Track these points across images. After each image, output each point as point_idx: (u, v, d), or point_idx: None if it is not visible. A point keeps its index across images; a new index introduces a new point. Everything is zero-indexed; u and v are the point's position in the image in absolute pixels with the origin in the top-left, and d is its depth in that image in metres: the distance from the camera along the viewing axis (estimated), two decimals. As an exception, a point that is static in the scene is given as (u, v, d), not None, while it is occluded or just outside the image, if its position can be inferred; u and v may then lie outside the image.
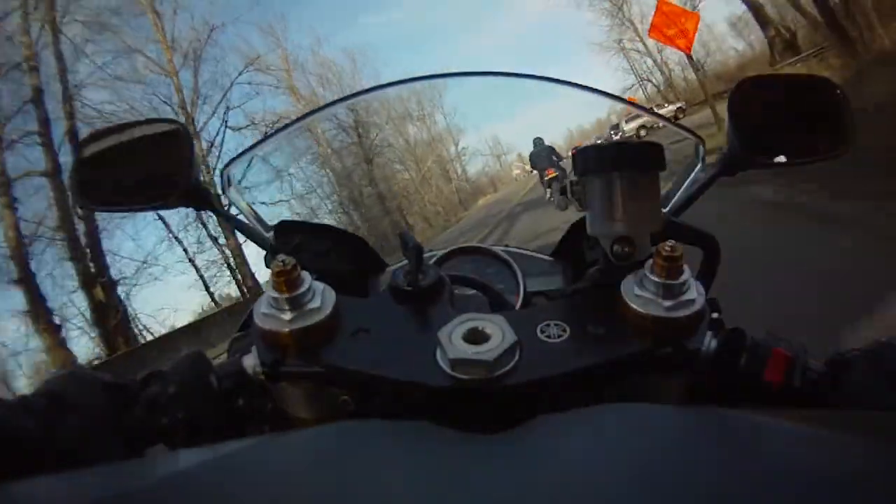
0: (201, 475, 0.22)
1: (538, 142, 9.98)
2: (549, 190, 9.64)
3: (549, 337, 0.36)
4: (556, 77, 0.64)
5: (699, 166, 0.61)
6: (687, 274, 0.36)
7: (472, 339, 0.34)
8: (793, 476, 0.19)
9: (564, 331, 0.36)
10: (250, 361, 0.38)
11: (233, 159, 0.70)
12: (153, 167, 0.61)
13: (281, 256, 0.37)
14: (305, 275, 0.38)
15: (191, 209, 0.62)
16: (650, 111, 0.75)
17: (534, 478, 0.20)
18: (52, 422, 0.33)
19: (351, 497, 0.20)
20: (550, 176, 9.37)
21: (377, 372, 0.35)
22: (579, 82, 0.63)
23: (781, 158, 0.58)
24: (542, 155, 9.80)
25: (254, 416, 0.43)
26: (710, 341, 0.37)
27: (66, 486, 0.24)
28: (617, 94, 0.65)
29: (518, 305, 0.66)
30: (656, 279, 0.36)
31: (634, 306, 0.36)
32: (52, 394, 0.34)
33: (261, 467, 0.22)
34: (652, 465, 0.20)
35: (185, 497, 0.20)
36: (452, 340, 0.34)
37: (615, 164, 0.38)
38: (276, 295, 0.36)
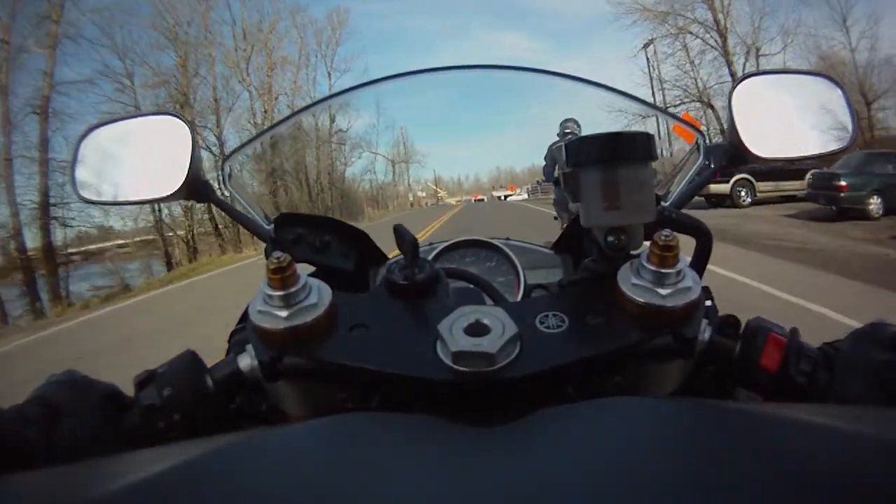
0: (204, 466, 0.22)
1: (568, 127, 4.96)
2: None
3: (548, 328, 0.36)
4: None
5: (700, 160, 0.62)
6: (683, 262, 0.37)
7: (473, 331, 0.34)
8: (788, 468, 0.19)
9: (563, 321, 0.37)
10: (246, 360, 0.38)
11: (233, 151, 0.70)
12: (153, 160, 0.61)
13: (276, 253, 0.36)
14: (301, 271, 0.37)
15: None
16: (655, 105, 0.75)
17: (534, 471, 0.20)
18: (50, 430, 0.33)
19: (353, 488, 0.20)
20: None
21: (378, 367, 0.35)
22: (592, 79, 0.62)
23: (782, 153, 0.58)
24: None
25: (251, 415, 0.42)
26: (705, 329, 0.38)
27: (64, 481, 0.24)
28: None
29: (519, 297, 0.66)
30: (653, 268, 0.36)
31: (631, 295, 0.36)
32: (48, 401, 0.34)
33: (262, 458, 0.23)
34: (650, 458, 0.21)
35: (189, 486, 0.20)
36: (453, 333, 0.34)
37: (607, 154, 0.38)
38: (271, 292, 0.36)
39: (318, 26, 29.70)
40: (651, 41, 22.30)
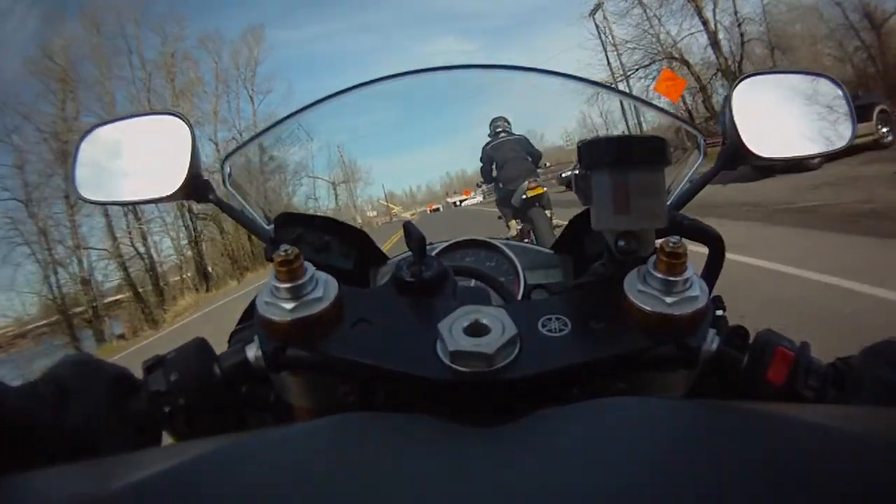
0: (204, 466, 0.22)
1: (499, 125, 4.84)
2: (518, 226, 4.63)
3: (549, 331, 0.36)
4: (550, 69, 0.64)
5: (700, 160, 0.62)
6: (690, 271, 0.36)
7: (473, 331, 0.34)
8: (790, 468, 0.19)
9: (565, 325, 0.37)
10: (253, 351, 0.38)
11: (233, 151, 0.70)
12: (154, 159, 0.61)
13: (284, 246, 0.37)
14: (308, 265, 0.38)
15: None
16: (650, 104, 0.75)
17: (532, 471, 0.20)
18: (59, 409, 0.34)
19: (353, 489, 0.20)
20: (532, 192, 4.45)
21: (377, 363, 0.35)
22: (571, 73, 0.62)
23: (782, 153, 0.58)
24: (512, 153, 4.70)
25: (256, 404, 0.43)
26: (712, 339, 0.37)
27: (64, 480, 0.24)
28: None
29: (519, 297, 0.66)
30: (659, 275, 0.36)
31: (637, 302, 0.36)
32: (59, 381, 0.35)
33: (262, 460, 0.23)
34: (651, 458, 0.21)
35: (189, 487, 0.20)
36: (452, 332, 0.34)
37: (623, 158, 0.38)
38: (278, 284, 0.36)
39: (234, 47, 25.32)
40: (599, 6, 19.88)
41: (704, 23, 17.75)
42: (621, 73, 19.22)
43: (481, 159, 4.93)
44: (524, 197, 4.48)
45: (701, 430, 0.24)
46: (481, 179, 5.11)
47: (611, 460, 0.21)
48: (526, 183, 4.48)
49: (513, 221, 4.71)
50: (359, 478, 0.21)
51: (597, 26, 20.20)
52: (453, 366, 0.33)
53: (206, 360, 0.38)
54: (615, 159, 0.37)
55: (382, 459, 0.23)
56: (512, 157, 4.68)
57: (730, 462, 0.20)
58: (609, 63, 19.11)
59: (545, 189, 4.48)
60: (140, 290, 18.08)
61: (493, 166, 4.77)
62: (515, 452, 0.23)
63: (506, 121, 4.92)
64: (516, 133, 4.86)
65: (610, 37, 19.49)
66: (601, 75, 19.11)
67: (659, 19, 18.73)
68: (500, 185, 4.79)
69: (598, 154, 0.38)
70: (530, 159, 4.77)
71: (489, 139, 4.87)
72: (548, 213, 4.55)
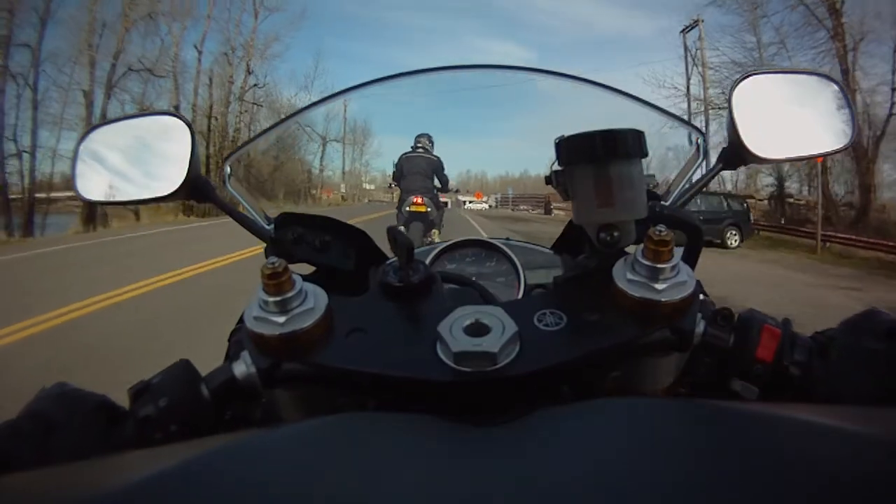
0: (203, 466, 0.22)
1: (420, 142, 5.65)
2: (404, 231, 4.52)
3: (546, 325, 0.37)
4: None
5: (700, 160, 0.62)
6: (677, 257, 0.37)
7: (473, 331, 0.34)
8: (787, 468, 0.19)
9: (561, 319, 0.37)
10: (241, 368, 0.38)
11: (233, 152, 0.70)
12: (153, 159, 0.61)
13: (271, 259, 0.36)
14: (296, 276, 0.37)
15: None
16: (650, 104, 0.74)
17: (536, 471, 0.21)
18: (44, 445, 0.33)
19: (354, 487, 0.20)
20: (414, 208, 5.31)
21: (379, 370, 0.35)
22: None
23: (782, 153, 0.58)
24: (418, 169, 5.50)
25: (246, 423, 0.42)
26: (699, 321, 0.38)
27: (61, 481, 0.24)
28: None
29: (519, 297, 0.66)
30: (648, 263, 0.36)
31: (627, 291, 0.36)
32: (42, 416, 0.34)
33: (262, 459, 0.23)
34: (650, 458, 0.21)
35: (188, 487, 0.20)
36: (454, 334, 0.34)
37: (598, 152, 0.38)
38: (267, 298, 0.36)
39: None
40: (696, 23, 16.35)
41: (844, 72, 13.67)
42: (701, 104, 15.71)
43: (394, 164, 5.74)
44: (407, 209, 5.33)
45: (700, 430, 0.24)
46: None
47: (611, 460, 0.21)
48: (412, 198, 5.30)
49: (402, 226, 5.19)
50: (362, 476, 0.21)
51: (686, 48, 16.43)
52: (457, 367, 0.33)
53: (193, 383, 0.38)
54: (596, 153, 0.38)
55: (385, 458, 0.23)
56: (416, 171, 5.46)
57: (729, 461, 0.20)
58: (689, 102, 15.85)
59: (429, 209, 5.27)
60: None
61: (402, 175, 5.54)
62: (518, 452, 0.23)
63: (429, 139, 5.68)
64: (435, 154, 5.65)
65: (699, 61, 15.94)
66: (678, 107, 15.75)
67: (787, 49, 14.35)
68: (402, 192, 5.57)
69: (580, 149, 0.38)
70: (437, 181, 5.53)
71: (410, 150, 5.65)
72: (434, 231, 5.39)
